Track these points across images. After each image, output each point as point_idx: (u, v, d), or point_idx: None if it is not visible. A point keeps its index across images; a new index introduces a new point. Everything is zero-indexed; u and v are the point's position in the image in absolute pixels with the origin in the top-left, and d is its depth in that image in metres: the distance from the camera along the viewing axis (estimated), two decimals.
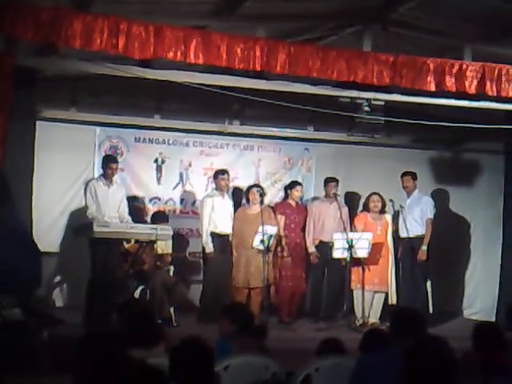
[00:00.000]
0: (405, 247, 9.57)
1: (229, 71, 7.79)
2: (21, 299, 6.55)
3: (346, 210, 9.69)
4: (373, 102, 8.39)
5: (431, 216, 9.53)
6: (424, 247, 9.37)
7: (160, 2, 7.36)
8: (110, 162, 8.71)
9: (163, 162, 9.92)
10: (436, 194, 10.36)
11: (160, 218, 9.20)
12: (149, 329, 4.57)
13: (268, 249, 8.90)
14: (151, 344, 4.43)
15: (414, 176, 9.64)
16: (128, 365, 3.66)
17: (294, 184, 9.66)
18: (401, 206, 9.59)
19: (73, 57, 7.59)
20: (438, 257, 9.96)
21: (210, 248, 9.06)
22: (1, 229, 2.66)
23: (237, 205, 9.62)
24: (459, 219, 10.87)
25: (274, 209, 9.58)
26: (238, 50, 7.54)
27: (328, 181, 9.66)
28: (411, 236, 9.43)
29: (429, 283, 9.95)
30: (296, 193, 9.56)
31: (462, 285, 10.90)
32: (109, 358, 3.44)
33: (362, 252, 9.05)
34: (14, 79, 7.10)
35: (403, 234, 9.52)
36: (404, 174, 9.65)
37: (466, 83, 8.12)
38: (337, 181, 9.66)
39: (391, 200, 9.70)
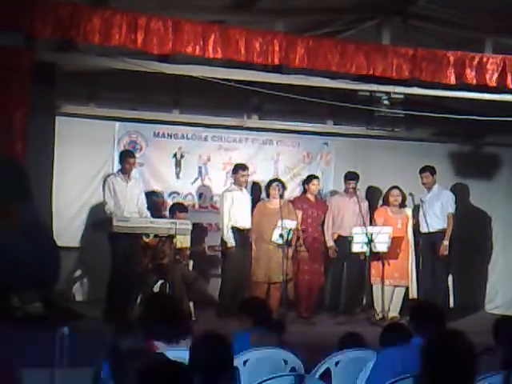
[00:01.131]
0: (425, 242, 9.52)
1: (247, 65, 7.79)
2: (42, 294, 6.59)
3: (365, 204, 9.66)
4: (392, 95, 8.36)
5: (452, 211, 9.46)
6: (446, 242, 9.31)
7: None
8: (127, 157, 8.73)
9: (182, 156, 9.93)
10: (456, 188, 10.29)
11: (178, 208, 9.21)
12: (177, 322, 4.57)
13: (288, 243, 8.89)
14: (179, 337, 4.43)
15: (432, 171, 9.54)
16: (148, 357, 3.67)
17: (310, 178, 9.62)
18: (421, 200, 9.54)
19: (92, 52, 7.62)
20: (459, 251, 9.91)
21: (231, 243, 9.05)
22: (22, 226, 2.68)
23: (255, 199, 9.62)
24: (480, 213, 10.79)
25: (293, 203, 9.56)
26: (257, 45, 7.54)
27: (348, 176, 9.62)
28: (432, 231, 9.39)
29: (450, 277, 9.91)
30: (313, 186, 9.52)
31: (484, 279, 10.82)
32: (126, 350, 3.46)
33: (381, 246, 9.02)
34: (34, 75, 7.13)
35: (423, 228, 9.47)
36: (422, 170, 9.54)
37: (487, 76, 8.06)
38: (357, 175, 9.61)
39: (411, 194, 9.66)
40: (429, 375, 3.31)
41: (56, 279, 2.60)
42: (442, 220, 9.42)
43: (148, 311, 4.73)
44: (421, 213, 9.51)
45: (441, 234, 9.36)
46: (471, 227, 10.49)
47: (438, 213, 9.44)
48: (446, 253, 9.33)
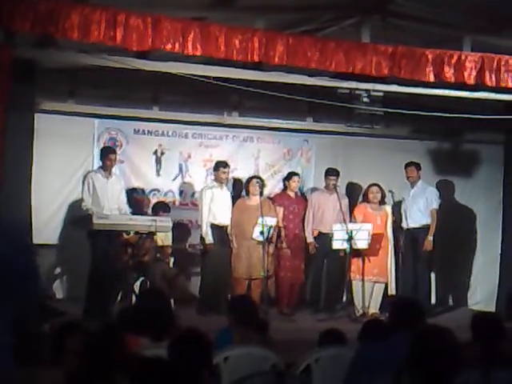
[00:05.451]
0: (408, 238, 9.54)
1: (227, 63, 7.78)
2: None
3: (346, 201, 9.69)
4: (372, 93, 8.38)
5: (436, 206, 9.51)
6: (430, 237, 9.36)
7: None
8: (108, 154, 8.70)
9: (162, 153, 9.90)
10: (440, 185, 10.35)
11: (161, 208, 9.23)
12: (163, 319, 4.56)
13: (268, 240, 8.90)
14: (164, 334, 4.42)
15: (417, 166, 9.63)
16: (128, 355, 3.66)
17: (290, 175, 9.65)
18: (403, 198, 9.59)
19: (71, 48, 7.58)
20: (442, 247, 9.96)
21: (209, 239, 9.05)
22: None
23: (236, 196, 9.63)
24: (465, 210, 10.85)
25: (273, 200, 9.58)
26: (237, 42, 7.54)
27: (328, 172, 9.65)
28: (416, 226, 9.41)
29: (432, 274, 9.97)
30: (293, 183, 9.55)
31: (467, 275, 10.88)
32: (105, 348, 3.47)
33: (361, 243, 9.05)
34: (13, 71, 7.09)
35: (406, 224, 9.50)
36: (408, 165, 9.63)
37: (465, 74, 8.11)
38: (337, 172, 9.65)
39: (391, 191, 9.69)
40: (412, 370, 3.34)
41: (34, 280, 2.57)
42: (426, 215, 9.47)
43: (142, 307, 4.72)
44: (403, 208, 9.54)
45: (424, 229, 9.41)
46: (455, 224, 10.54)
47: (422, 208, 9.48)
48: (431, 248, 9.38)
